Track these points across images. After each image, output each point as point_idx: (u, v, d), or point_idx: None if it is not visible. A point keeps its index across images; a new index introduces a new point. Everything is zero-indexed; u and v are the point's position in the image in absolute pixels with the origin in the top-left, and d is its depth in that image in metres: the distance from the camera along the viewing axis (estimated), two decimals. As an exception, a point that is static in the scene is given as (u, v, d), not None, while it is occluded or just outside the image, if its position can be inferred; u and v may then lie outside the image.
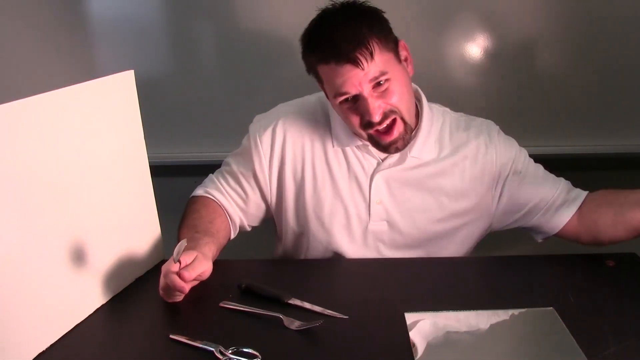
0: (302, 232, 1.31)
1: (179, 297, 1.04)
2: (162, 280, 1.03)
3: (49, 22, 1.78)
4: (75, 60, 1.80)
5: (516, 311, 1.00)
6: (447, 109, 1.34)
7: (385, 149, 1.21)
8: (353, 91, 1.12)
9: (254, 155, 1.28)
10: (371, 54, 1.10)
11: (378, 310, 1.02)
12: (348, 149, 1.26)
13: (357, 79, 1.11)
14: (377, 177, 1.25)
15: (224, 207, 1.30)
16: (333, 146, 1.26)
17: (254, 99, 1.73)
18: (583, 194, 1.29)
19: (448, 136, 1.28)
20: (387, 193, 1.26)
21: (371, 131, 1.17)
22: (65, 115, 0.98)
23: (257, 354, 0.88)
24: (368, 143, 1.23)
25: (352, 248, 1.28)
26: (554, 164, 1.88)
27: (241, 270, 1.23)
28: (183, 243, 1.01)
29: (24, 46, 1.80)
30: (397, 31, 1.78)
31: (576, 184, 1.92)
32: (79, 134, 1.01)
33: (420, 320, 0.98)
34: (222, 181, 1.32)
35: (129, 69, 1.13)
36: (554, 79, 1.79)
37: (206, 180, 1.36)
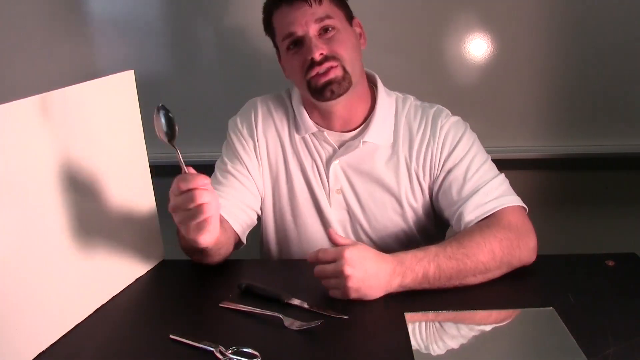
0: (279, 218, 1.33)
1: (206, 226, 0.93)
2: (173, 200, 0.93)
3: (49, 22, 1.78)
4: (75, 60, 1.80)
5: (516, 311, 1.00)
6: (410, 97, 1.32)
7: (321, 93, 1.20)
8: (300, 31, 1.18)
9: (237, 144, 1.31)
10: None
11: (378, 310, 1.02)
12: (307, 137, 1.29)
13: (304, 17, 1.16)
14: (334, 165, 1.27)
15: (226, 208, 1.25)
16: (297, 133, 1.30)
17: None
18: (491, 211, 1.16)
19: (403, 126, 1.28)
20: (346, 182, 1.28)
21: (312, 74, 1.19)
22: (66, 115, 0.98)
23: (257, 354, 0.88)
24: (324, 129, 1.27)
25: (320, 238, 1.30)
26: (554, 164, 1.89)
27: (241, 270, 1.23)
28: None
29: (24, 46, 1.80)
30: (397, 31, 1.78)
31: (576, 184, 1.93)
32: (79, 134, 1.01)
33: (420, 320, 0.98)
34: (217, 186, 1.27)
35: (129, 69, 1.13)
36: (554, 79, 1.79)
37: None
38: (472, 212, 1.17)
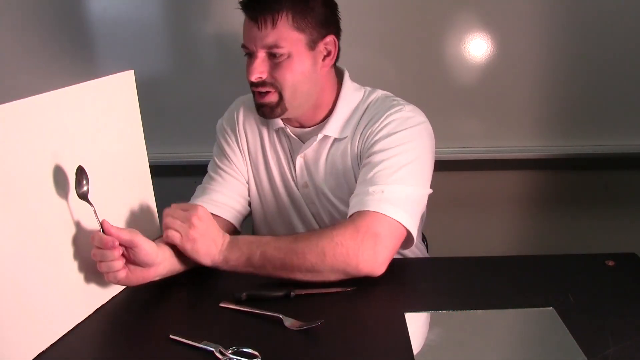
0: (263, 206, 1.37)
1: (116, 267, 0.99)
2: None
3: (49, 22, 1.79)
4: (75, 60, 1.81)
5: (516, 311, 1.00)
6: (379, 91, 1.29)
7: (258, 110, 1.25)
8: (250, 47, 1.19)
9: (222, 141, 1.36)
10: (274, 23, 1.15)
11: (378, 310, 1.02)
12: (280, 131, 1.32)
13: (254, 38, 1.18)
14: (299, 159, 1.30)
15: (219, 202, 1.31)
16: (274, 127, 1.32)
17: (254, 99, 1.73)
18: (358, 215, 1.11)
19: (362, 119, 1.25)
20: (310, 177, 1.30)
21: (252, 89, 1.23)
22: (66, 116, 0.98)
23: (257, 354, 0.88)
24: (283, 125, 1.30)
25: (300, 230, 1.33)
26: (554, 164, 1.89)
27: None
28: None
29: (25, 46, 1.80)
30: (399, 31, 1.78)
31: (576, 184, 1.93)
32: (78, 134, 1.01)
33: (420, 320, 0.98)
34: (211, 182, 1.34)
35: (129, 69, 1.13)
36: (554, 79, 1.79)
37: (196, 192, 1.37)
38: (353, 206, 1.13)
